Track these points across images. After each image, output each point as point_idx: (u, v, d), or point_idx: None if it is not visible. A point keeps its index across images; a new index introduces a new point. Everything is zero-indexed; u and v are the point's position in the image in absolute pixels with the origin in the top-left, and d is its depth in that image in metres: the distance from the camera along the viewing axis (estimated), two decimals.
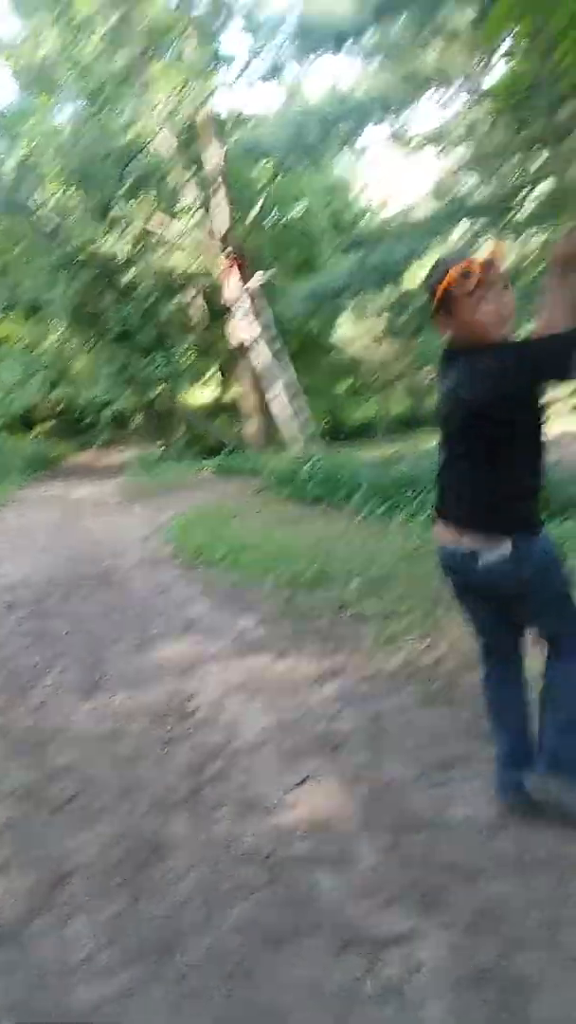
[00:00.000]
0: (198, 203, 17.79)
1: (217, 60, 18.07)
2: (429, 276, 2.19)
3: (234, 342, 17.94)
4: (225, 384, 23.96)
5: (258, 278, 16.80)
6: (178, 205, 17.92)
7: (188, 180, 17.51)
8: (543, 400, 2.21)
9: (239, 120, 19.14)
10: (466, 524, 2.23)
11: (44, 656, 4.67)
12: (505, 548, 2.15)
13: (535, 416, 2.19)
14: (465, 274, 2.06)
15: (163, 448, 20.27)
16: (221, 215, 17.66)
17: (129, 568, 7.05)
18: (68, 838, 2.60)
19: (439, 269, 2.15)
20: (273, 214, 20.71)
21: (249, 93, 29.32)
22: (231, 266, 17.29)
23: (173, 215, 18.08)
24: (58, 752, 3.28)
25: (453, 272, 2.07)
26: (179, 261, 18.49)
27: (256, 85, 19.49)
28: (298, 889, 2.16)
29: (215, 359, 22.41)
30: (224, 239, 17.68)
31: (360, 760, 2.87)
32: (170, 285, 18.77)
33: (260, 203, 19.25)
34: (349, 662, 3.92)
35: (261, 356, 16.50)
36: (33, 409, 23.32)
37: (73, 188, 17.30)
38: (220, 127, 17.92)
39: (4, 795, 2.94)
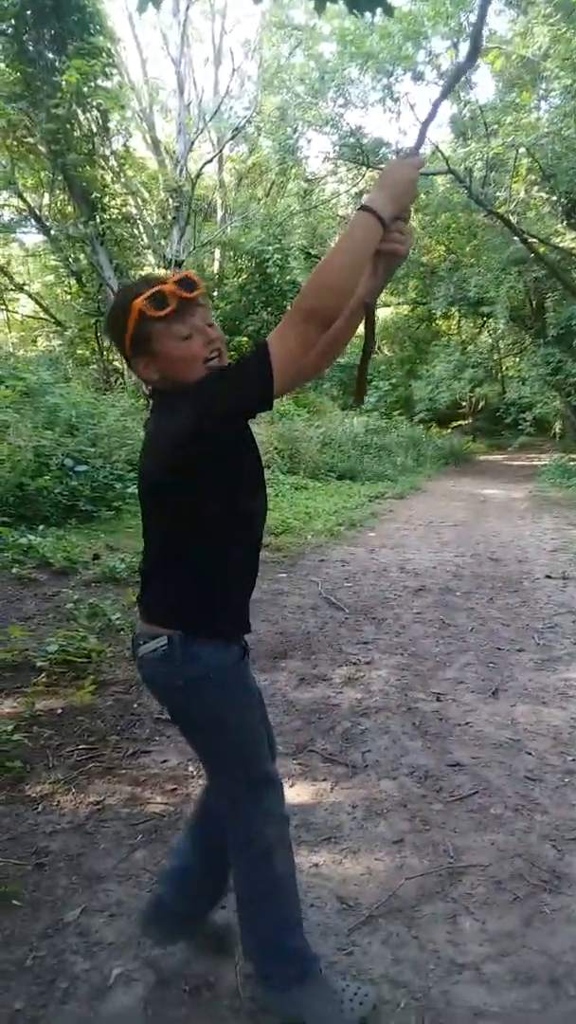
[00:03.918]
0: None
1: None
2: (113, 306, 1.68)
3: None
4: None
5: None
6: None
7: None
8: (247, 462, 1.69)
9: None
10: (141, 600, 1.78)
11: (447, 648, 4.80)
12: (161, 641, 1.69)
13: (236, 476, 1.66)
14: (157, 300, 1.56)
15: None
16: None
17: (535, 579, 6.89)
18: (464, 833, 2.65)
19: (123, 296, 1.62)
20: None
21: None
22: None
23: None
24: (461, 746, 3.37)
25: (139, 302, 1.57)
26: None
27: None
28: None
29: None
30: None
31: None
32: None
33: None
34: None
35: None
36: (454, 404, 23.83)
37: (538, 185, 17.16)
38: None
39: (403, 774, 3.10)
